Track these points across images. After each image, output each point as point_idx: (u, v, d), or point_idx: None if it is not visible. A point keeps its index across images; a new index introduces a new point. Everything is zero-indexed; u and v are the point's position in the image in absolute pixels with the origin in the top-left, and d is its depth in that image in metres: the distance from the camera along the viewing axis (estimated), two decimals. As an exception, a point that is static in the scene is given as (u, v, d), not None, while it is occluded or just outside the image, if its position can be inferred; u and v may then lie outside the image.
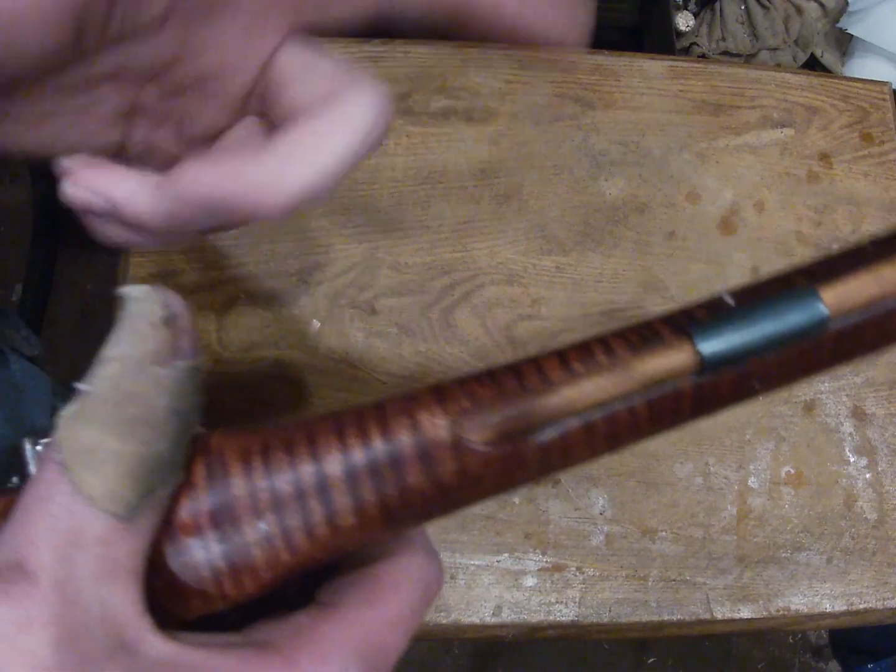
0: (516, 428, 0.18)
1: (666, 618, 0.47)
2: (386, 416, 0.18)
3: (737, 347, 0.18)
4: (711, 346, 0.18)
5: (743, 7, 1.03)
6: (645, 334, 0.19)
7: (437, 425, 0.18)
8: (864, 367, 0.54)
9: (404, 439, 0.18)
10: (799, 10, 1.00)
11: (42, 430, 0.19)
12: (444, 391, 0.19)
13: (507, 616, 0.46)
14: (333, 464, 0.18)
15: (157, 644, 0.17)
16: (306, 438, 0.19)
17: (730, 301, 0.19)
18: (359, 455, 0.18)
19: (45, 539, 0.16)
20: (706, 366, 0.18)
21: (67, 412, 0.17)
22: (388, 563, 0.20)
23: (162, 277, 0.51)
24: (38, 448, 0.19)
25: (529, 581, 0.47)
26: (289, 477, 0.18)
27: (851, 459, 0.52)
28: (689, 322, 0.19)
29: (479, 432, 0.18)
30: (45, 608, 0.16)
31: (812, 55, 1.05)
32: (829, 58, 1.05)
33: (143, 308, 0.18)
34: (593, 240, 0.55)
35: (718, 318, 0.19)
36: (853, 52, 1.05)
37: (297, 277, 0.52)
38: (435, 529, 0.47)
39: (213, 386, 0.49)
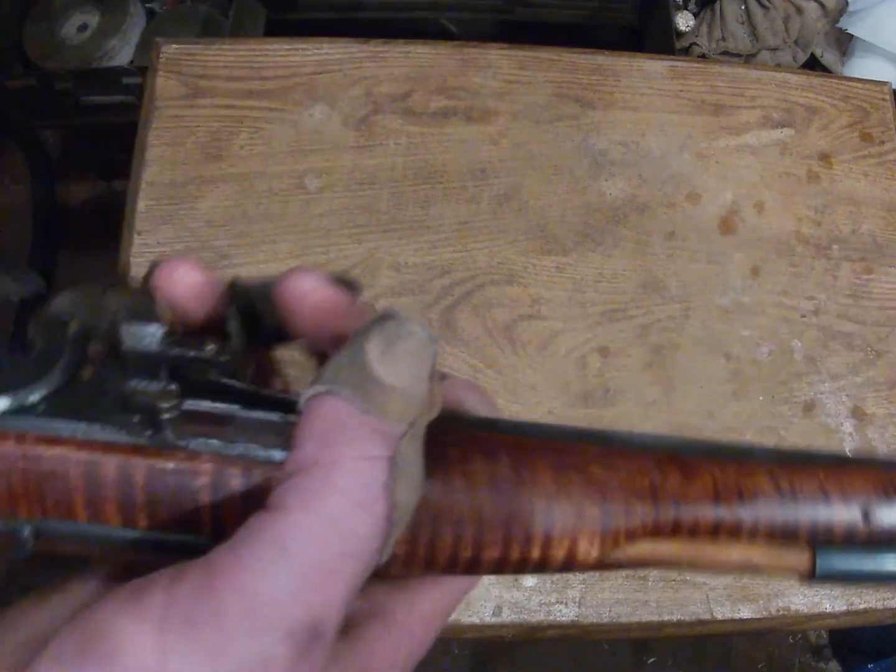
0: (662, 562, 0.20)
1: (666, 618, 0.47)
2: (552, 537, 0.19)
3: (846, 575, 0.20)
4: (827, 568, 0.20)
5: (743, 7, 1.03)
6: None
7: (589, 557, 0.19)
8: (864, 367, 0.54)
9: (556, 561, 0.20)
10: (799, 10, 1.00)
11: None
12: (610, 521, 0.20)
13: (507, 616, 0.46)
14: (495, 571, 0.20)
15: None
16: (474, 530, 0.19)
17: (863, 526, 0.21)
18: (513, 560, 0.19)
19: (342, 601, 0.15)
20: (813, 579, 0.20)
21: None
22: None
23: (162, 277, 0.51)
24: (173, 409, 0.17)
25: (529, 581, 0.47)
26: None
27: (851, 459, 0.52)
28: (823, 541, 0.21)
29: (624, 556, 0.20)
30: (324, 661, 0.15)
31: (812, 55, 1.05)
32: (829, 58, 1.05)
33: (428, 352, 0.17)
34: (593, 240, 0.55)
35: (848, 548, 0.20)
36: (853, 52, 1.05)
37: (297, 277, 0.52)
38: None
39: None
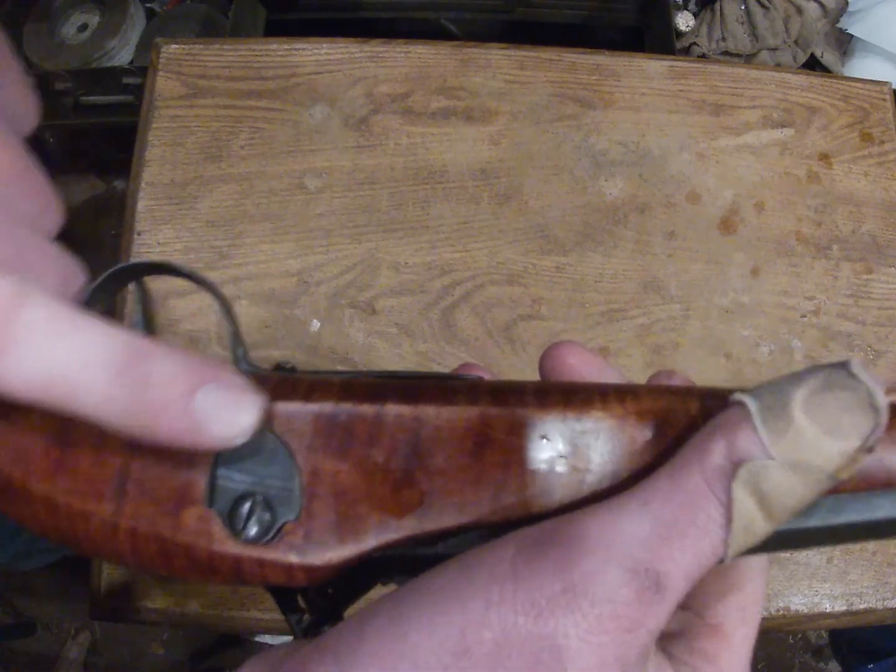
0: None
1: (666, 618, 0.47)
2: None
3: None
4: None
5: (743, 7, 1.03)
6: None
7: None
8: (864, 367, 0.54)
9: None
10: (799, 10, 1.00)
11: None
12: None
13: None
14: None
15: None
16: None
17: None
18: None
19: (686, 569, 0.16)
20: None
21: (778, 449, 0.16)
22: None
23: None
24: None
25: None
26: None
27: (851, 459, 0.52)
28: None
29: None
30: (658, 626, 0.16)
31: (812, 55, 1.05)
32: (829, 58, 1.05)
33: (861, 420, 0.16)
34: (593, 240, 0.55)
35: None
36: (853, 52, 1.05)
37: (297, 277, 0.52)
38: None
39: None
